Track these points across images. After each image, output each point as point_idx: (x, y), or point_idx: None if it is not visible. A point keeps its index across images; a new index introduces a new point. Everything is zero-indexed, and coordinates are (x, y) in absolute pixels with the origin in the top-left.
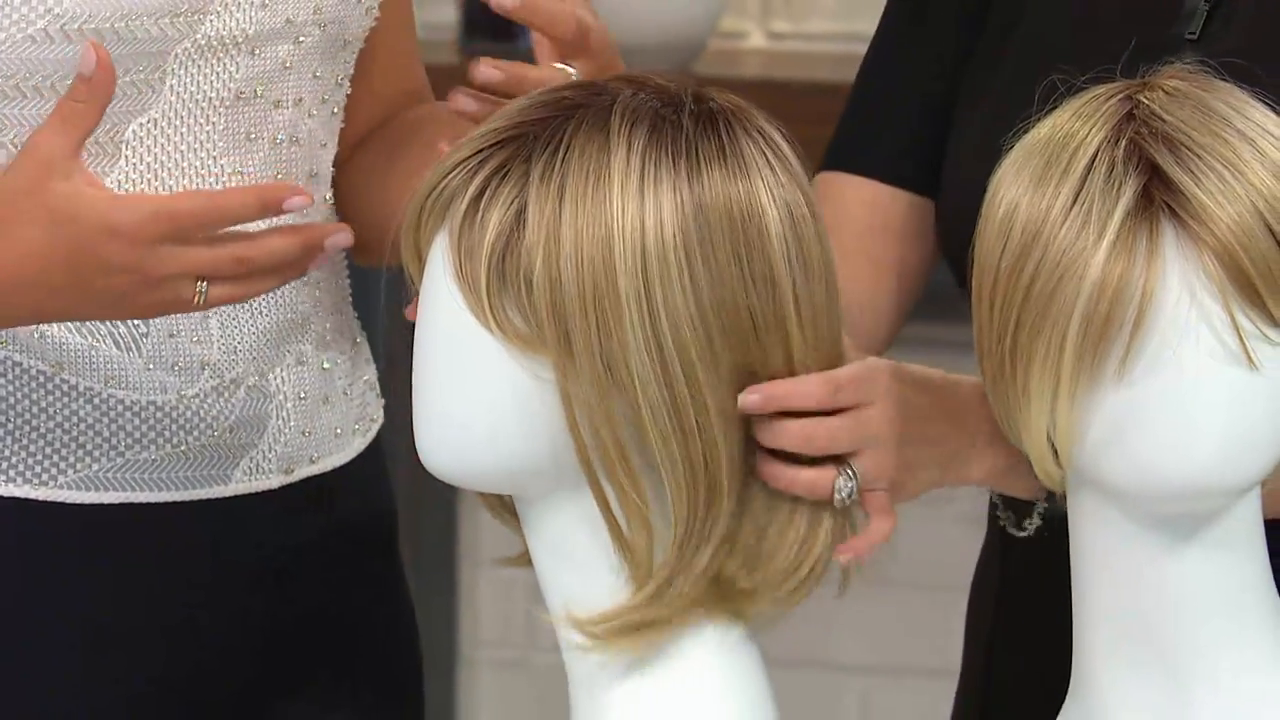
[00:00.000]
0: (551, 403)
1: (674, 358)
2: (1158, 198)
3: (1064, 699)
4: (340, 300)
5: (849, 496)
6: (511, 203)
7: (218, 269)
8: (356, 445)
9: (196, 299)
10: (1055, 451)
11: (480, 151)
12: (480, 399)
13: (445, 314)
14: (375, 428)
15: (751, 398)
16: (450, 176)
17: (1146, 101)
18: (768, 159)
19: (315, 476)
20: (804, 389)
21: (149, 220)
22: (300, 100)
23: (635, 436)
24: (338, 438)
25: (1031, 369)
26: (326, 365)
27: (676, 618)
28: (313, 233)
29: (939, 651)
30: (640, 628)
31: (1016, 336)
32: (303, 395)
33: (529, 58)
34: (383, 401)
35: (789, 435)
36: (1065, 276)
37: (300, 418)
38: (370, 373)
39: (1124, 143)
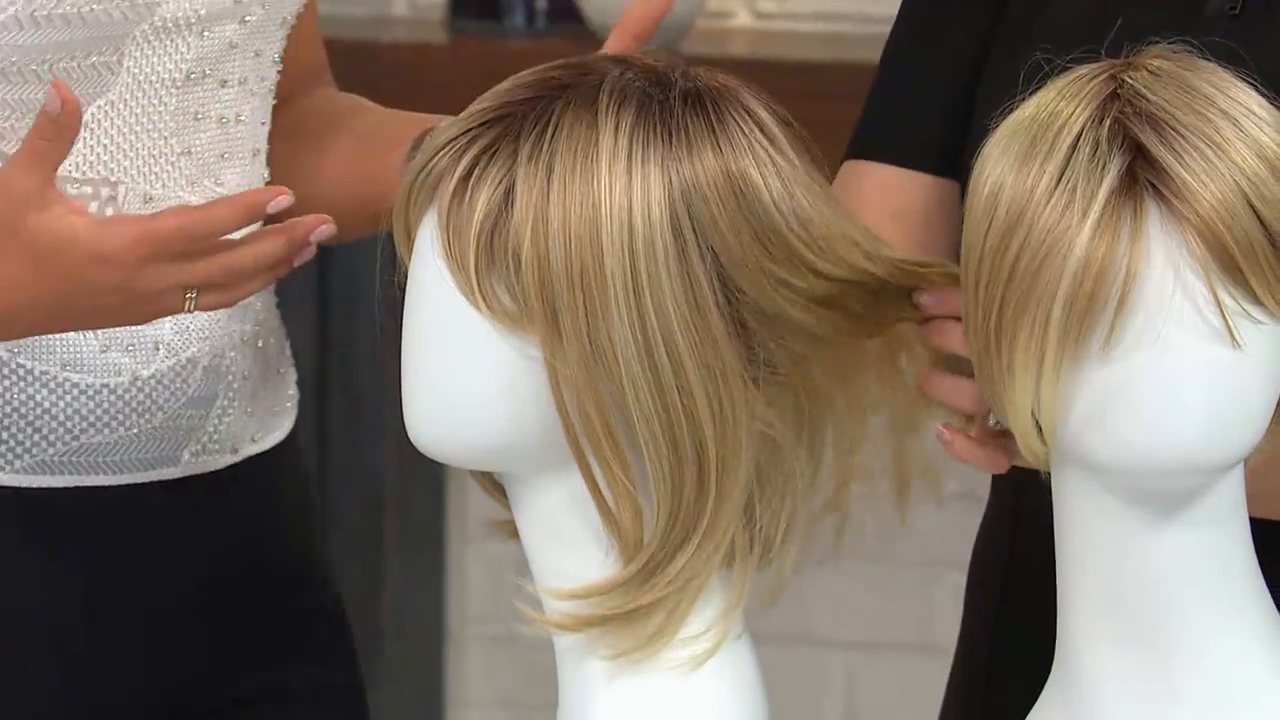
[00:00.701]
0: (539, 381)
1: (658, 338)
2: (1142, 177)
3: None
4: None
5: (998, 422)
6: (500, 182)
7: (208, 280)
8: (288, 424)
9: (187, 306)
10: (1040, 428)
11: (468, 131)
12: (469, 377)
13: (434, 293)
14: (296, 402)
15: (924, 298)
16: (439, 156)
17: (1130, 81)
18: (756, 137)
19: (257, 455)
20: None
21: (134, 244)
22: (244, 80)
23: (621, 416)
24: (274, 415)
25: (1016, 346)
26: (261, 344)
27: (668, 606)
28: (296, 230)
29: (923, 627)
30: (626, 614)
31: (1001, 314)
32: (246, 375)
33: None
34: (295, 376)
35: (958, 338)
36: (1050, 255)
37: (244, 397)
38: (288, 348)
39: (1108, 122)
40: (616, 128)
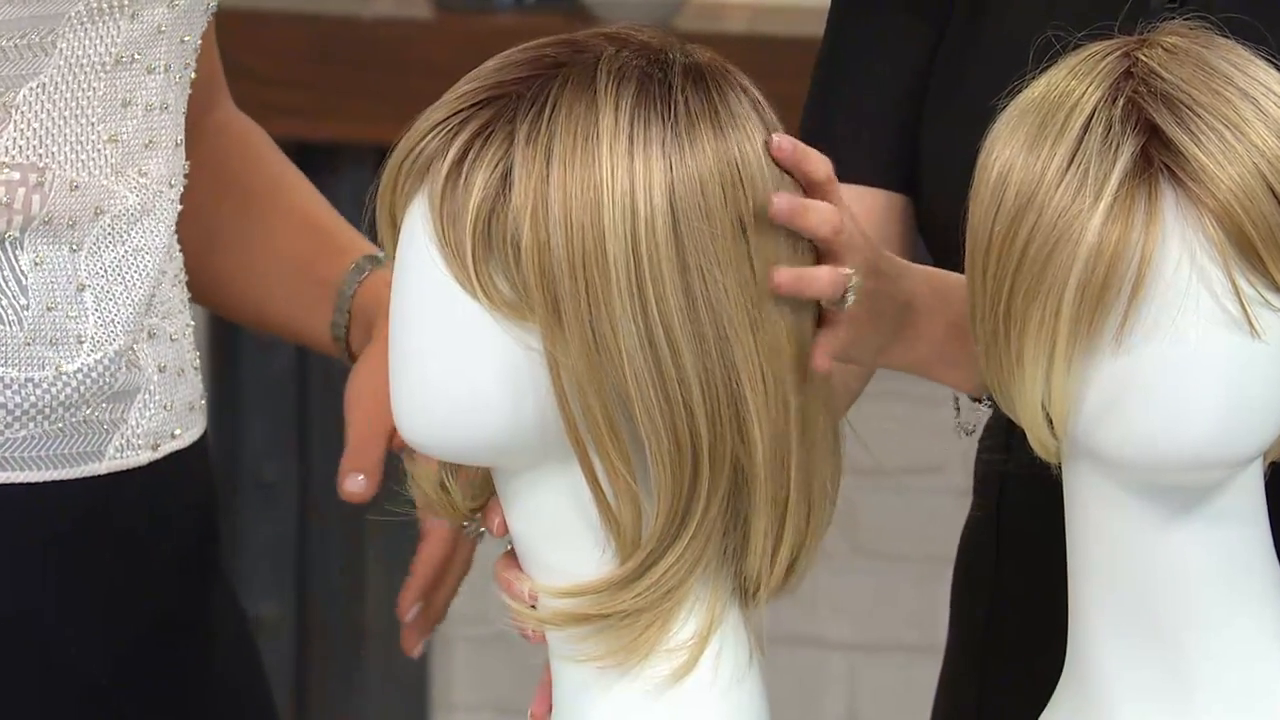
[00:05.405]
0: (539, 373)
1: (658, 326)
2: (1156, 159)
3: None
4: (179, 271)
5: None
6: (497, 165)
7: None
8: (203, 421)
9: None
10: (1050, 421)
11: (460, 112)
12: (466, 370)
13: (428, 282)
14: (204, 400)
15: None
16: (428, 139)
17: (1145, 59)
18: (756, 117)
19: (176, 453)
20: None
21: None
22: (169, 66)
23: (624, 408)
24: (191, 412)
25: (1026, 336)
26: (175, 337)
27: (659, 612)
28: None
29: (925, 626)
30: (619, 614)
31: (1011, 302)
32: (162, 368)
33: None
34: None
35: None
36: (1061, 240)
37: (163, 392)
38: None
39: (1122, 102)
40: (617, 107)
